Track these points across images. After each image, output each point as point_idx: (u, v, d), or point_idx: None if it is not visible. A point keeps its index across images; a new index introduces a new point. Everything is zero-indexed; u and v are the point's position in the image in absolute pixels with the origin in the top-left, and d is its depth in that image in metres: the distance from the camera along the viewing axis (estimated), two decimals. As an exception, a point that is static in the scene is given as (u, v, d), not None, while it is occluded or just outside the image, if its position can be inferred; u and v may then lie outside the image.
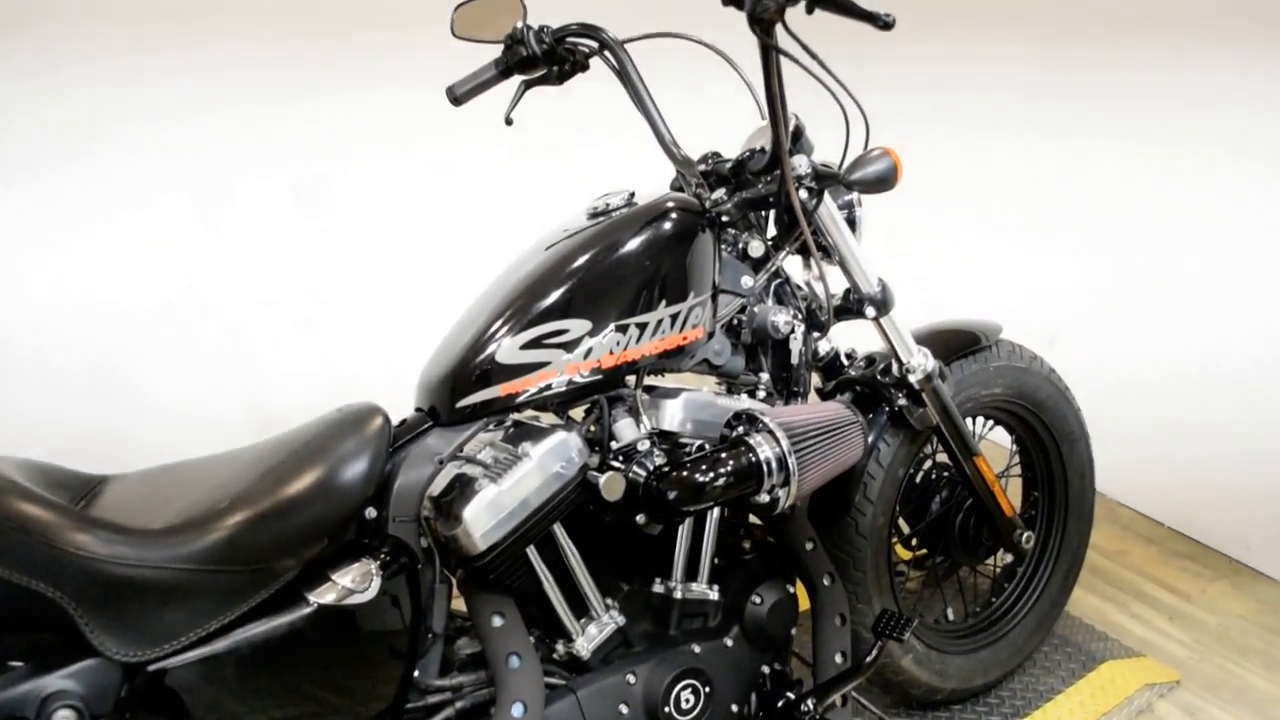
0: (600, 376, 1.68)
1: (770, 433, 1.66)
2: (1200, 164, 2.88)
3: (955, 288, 3.42)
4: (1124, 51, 3.02)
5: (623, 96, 1.82)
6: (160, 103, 2.86)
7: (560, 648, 1.74)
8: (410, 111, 2.68)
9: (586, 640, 1.73)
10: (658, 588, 1.82)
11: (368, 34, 3.05)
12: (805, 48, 1.63)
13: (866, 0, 1.56)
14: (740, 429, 1.69)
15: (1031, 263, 3.38)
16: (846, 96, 1.73)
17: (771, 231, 1.90)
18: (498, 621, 1.64)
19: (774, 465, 1.64)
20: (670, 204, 1.77)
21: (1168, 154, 2.95)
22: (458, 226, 3.29)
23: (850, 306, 1.98)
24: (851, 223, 1.96)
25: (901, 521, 2.27)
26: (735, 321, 1.86)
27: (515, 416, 1.71)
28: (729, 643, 1.85)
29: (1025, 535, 2.29)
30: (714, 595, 1.84)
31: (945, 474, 2.26)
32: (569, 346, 1.65)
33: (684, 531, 1.81)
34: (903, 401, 2.04)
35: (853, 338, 2.13)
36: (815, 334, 1.95)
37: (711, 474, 1.63)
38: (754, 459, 1.64)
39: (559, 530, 1.68)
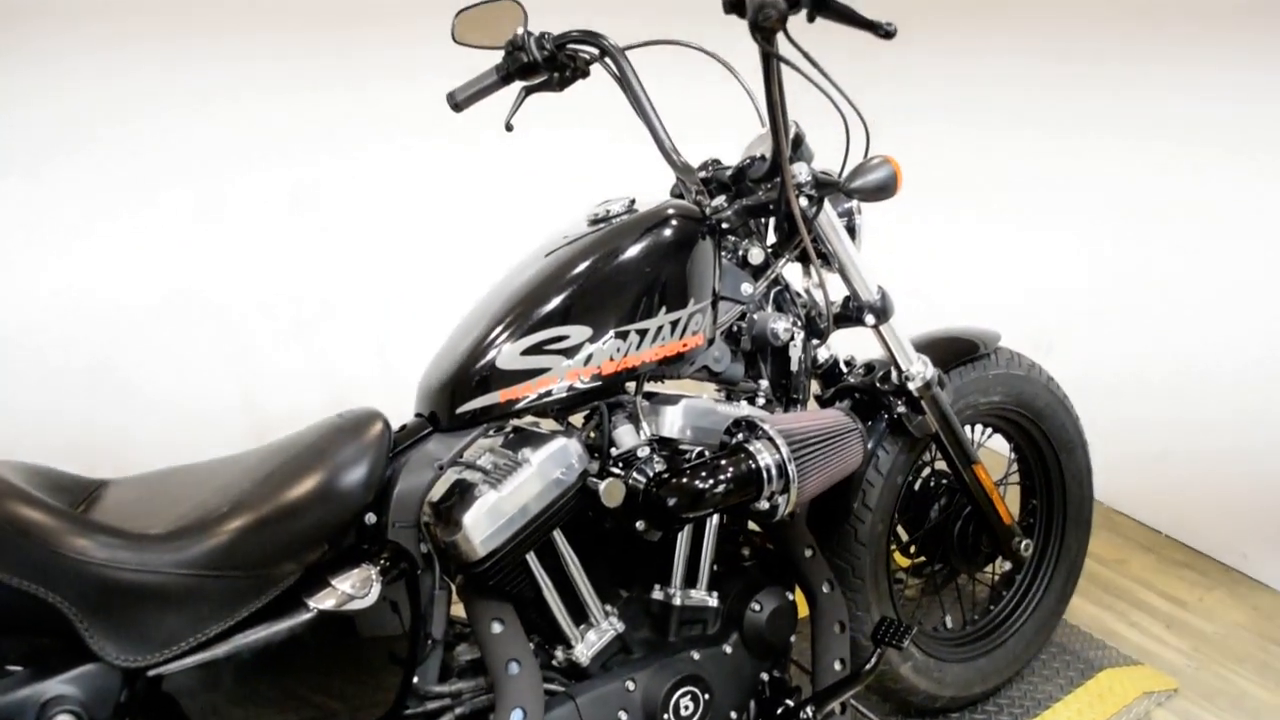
0: (600, 383, 1.68)
1: (770, 440, 1.66)
2: (1201, 162, 2.87)
3: (952, 287, 3.43)
4: (1122, 49, 3.02)
5: (624, 101, 1.83)
6: (161, 101, 2.87)
7: (560, 654, 1.74)
8: (412, 111, 2.68)
9: (586, 647, 1.73)
10: (657, 594, 1.82)
11: (370, 35, 3.05)
12: (806, 55, 1.64)
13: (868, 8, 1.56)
14: (740, 436, 1.69)
15: (1028, 264, 3.38)
16: (847, 104, 1.73)
17: (771, 239, 1.91)
18: (497, 628, 1.64)
19: (774, 472, 1.64)
20: (671, 211, 1.77)
21: (1167, 152, 2.94)
22: (459, 227, 3.30)
23: (850, 314, 1.99)
24: (851, 230, 1.96)
25: (900, 529, 2.27)
26: (735, 328, 1.86)
27: (515, 422, 1.71)
28: (728, 650, 1.85)
29: (1024, 543, 2.29)
30: (713, 602, 1.85)
31: (944, 481, 2.26)
32: (569, 353, 1.65)
33: (683, 538, 1.81)
34: (902, 409, 2.05)
35: (852, 345, 2.13)
36: (815, 341, 1.96)
37: (711, 481, 1.63)
38: (754, 466, 1.64)
39: (558, 536, 1.68)
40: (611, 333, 1.68)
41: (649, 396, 1.79)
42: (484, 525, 1.56)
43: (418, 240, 3.28)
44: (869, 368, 2.10)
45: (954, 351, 2.18)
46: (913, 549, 2.32)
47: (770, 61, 1.62)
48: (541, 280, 1.68)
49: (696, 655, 1.81)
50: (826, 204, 1.87)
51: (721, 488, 1.63)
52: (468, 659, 1.72)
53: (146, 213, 2.91)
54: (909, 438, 2.08)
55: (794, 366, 1.90)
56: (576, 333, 1.65)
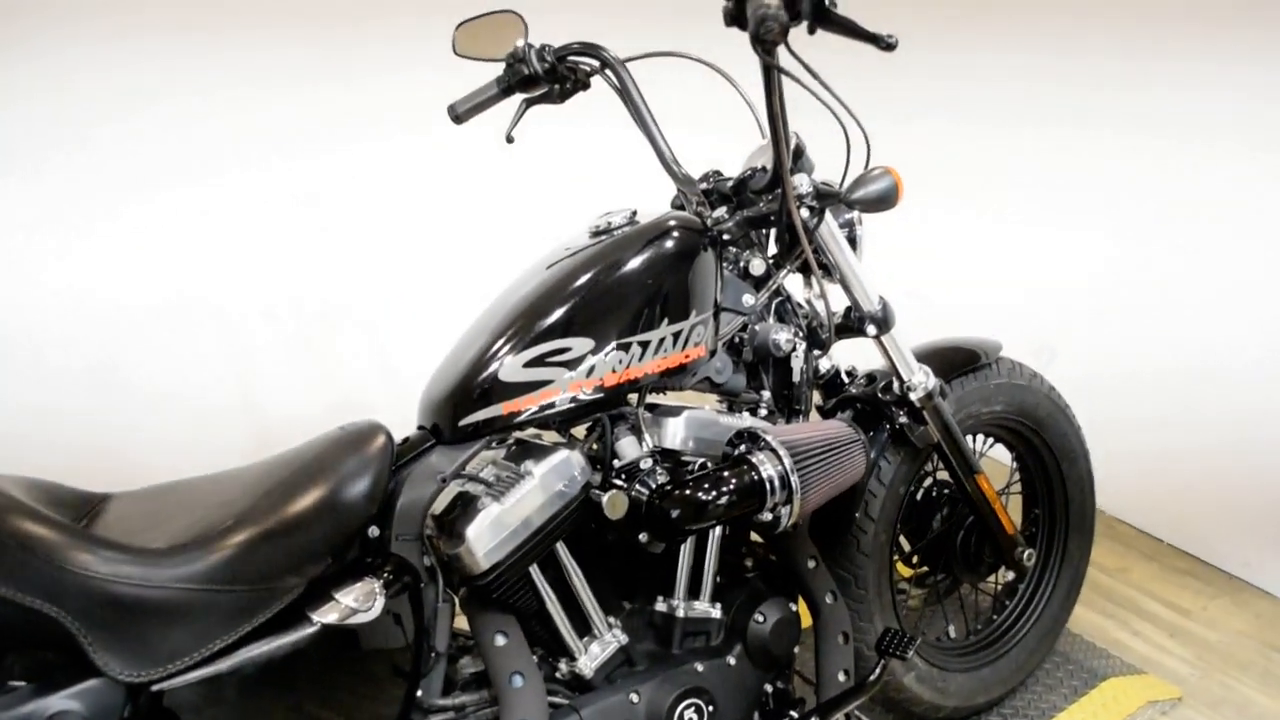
0: (603, 395, 1.68)
1: (773, 451, 1.66)
2: (1202, 160, 2.87)
3: (950, 288, 3.41)
4: (1123, 45, 3.02)
5: (625, 114, 1.83)
6: (161, 99, 2.88)
7: (563, 667, 1.73)
8: (414, 110, 2.68)
9: (589, 659, 1.73)
10: (660, 606, 1.82)
11: (371, 32, 3.07)
12: (807, 68, 1.64)
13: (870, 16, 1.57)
14: (742, 447, 1.69)
15: (1028, 264, 3.37)
16: (848, 116, 1.74)
17: (772, 250, 1.91)
18: (500, 640, 1.64)
19: (776, 484, 1.64)
20: (672, 222, 1.78)
21: (1169, 150, 2.94)
22: (461, 226, 3.31)
23: (851, 324, 1.99)
24: (852, 241, 1.96)
25: (903, 539, 2.27)
26: (737, 339, 1.86)
27: (518, 435, 1.71)
28: (732, 661, 1.84)
29: (1026, 552, 2.29)
30: (716, 614, 1.84)
31: (946, 491, 2.26)
32: (571, 365, 1.65)
33: (686, 550, 1.81)
34: (904, 419, 2.05)
35: (854, 356, 2.13)
36: (816, 352, 1.96)
37: (714, 492, 1.63)
38: (756, 477, 1.64)
39: (561, 549, 1.68)
40: (614, 344, 1.67)
41: (651, 408, 1.79)
42: (487, 538, 1.56)
43: (419, 239, 3.29)
44: (871, 378, 2.10)
45: (955, 361, 2.18)
46: (915, 559, 2.32)
47: (771, 74, 1.62)
48: (543, 293, 1.69)
49: (700, 667, 1.80)
50: (828, 215, 1.87)
51: (724, 499, 1.63)
52: (471, 672, 1.72)
53: (146, 212, 2.92)
54: (911, 448, 2.08)
55: (796, 377, 1.90)
56: (579, 345, 1.65)
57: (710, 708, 1.78)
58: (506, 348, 1.64)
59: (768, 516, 1.68)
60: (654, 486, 1.65)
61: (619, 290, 1.70)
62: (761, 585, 1.93)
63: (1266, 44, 2.69)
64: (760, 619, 1.88)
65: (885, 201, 1.83)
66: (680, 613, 1.81)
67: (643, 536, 1.68)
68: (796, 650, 1.94)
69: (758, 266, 1.86)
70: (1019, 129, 3.32)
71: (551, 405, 1.65)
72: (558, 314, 1.66)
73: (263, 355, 3.13)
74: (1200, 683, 2.52)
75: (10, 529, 1.29)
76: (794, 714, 1.90)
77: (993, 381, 2.21)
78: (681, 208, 1.89)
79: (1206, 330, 2.94)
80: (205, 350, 3.05)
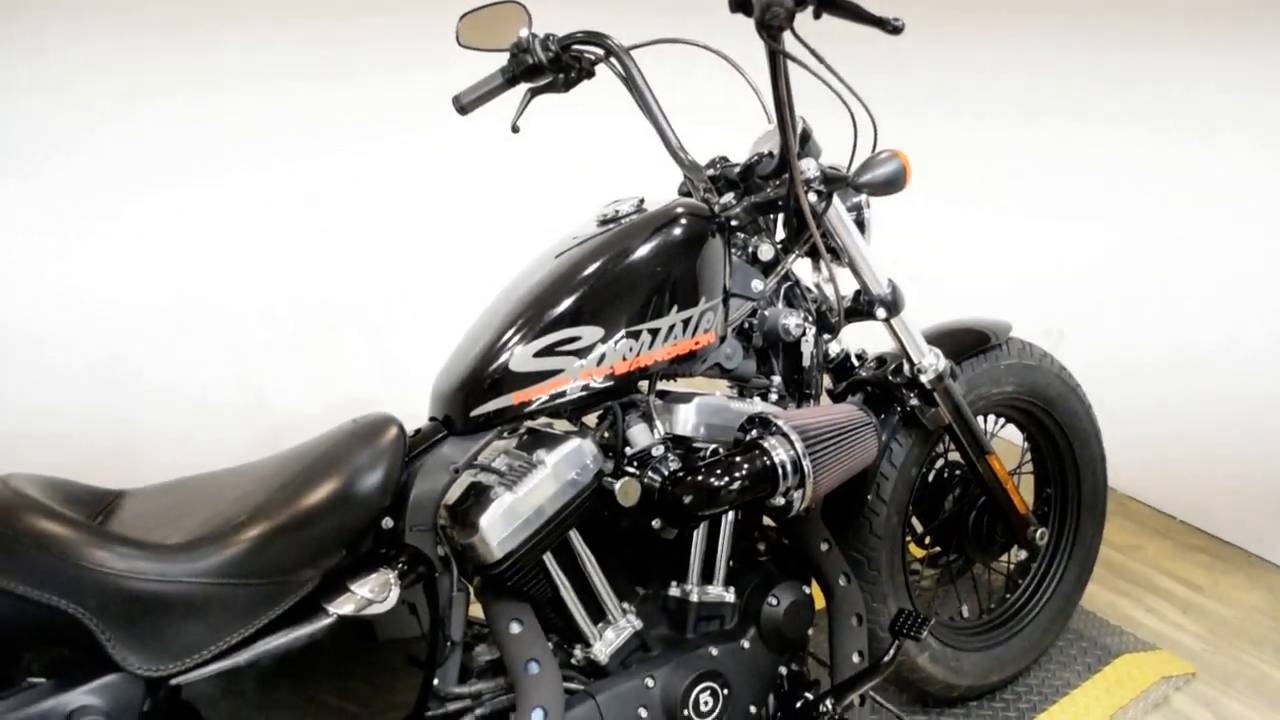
0: (613, 383, 1.68)
1: (784, 436, 1.66)
2: (1205, 150, 2.87)
3: (956, 278, 3.42)
4: (1124, 39, 3.01)
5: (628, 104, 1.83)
6: (161, 97, 2.88)
7: (578, 653, 1.75)
8: (415, 106, 2.69)
9: (604, 645, 1.74)
10: (674, 591, 1.83)
11: (371, 28, 3.06)
12: (813, 52, 1.64)
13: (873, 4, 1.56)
14: (754, 432, 1.70)
15: (1036, 254, 3.38)
16: (854, 100, 1.73)
17: (780, 235, 1.91)
18: (515, 628, 1.65)
19: (789, 468, 1.64)
20: (680, 209, 1.77)
21: (1172, 141, 2.95)
22: (463, 221, 3.31)
23: (860, 308, 1.99)
24: (860, 224, 1.96)
25: (915, 520, 2.27)
26: (746, 325, 1.86)
27: (529, 424, 1.71)
28: (746, 644, 1.85)
29: (1039, 532, 2.29)
30: (730, 598, 1.85)
31: (958, 472, 2.26)
32: (582, 353, 1.65)
33: (699, 535, 1.82)
34: (915, 402, 2.05)
35: (864, 339, 2.13)
36: (826, 336, 1.96)
37: (726, 478, 1.63)
38: (769, 462, 1.64)
39: (575, 536, 1.69)
40: (623, 332, 1.68)
41: (662, 395, 1.79)
42: (500, 527, 1.57)
43: (421, 235, 3.29)
44: (881, 361, 2.10)
45: (965, 343, 2.18)
46: (928, 540, 2.32)
47: (777, 59, 1.62)
48: (552, 282, 1.69)
49: (715, 651, 1.81)
50: (835, 199, 1.87)
51: (737, 485, 1.63)
52: (487, 660, 1.73)
53: (148, 211, 2.93)
54: (922, 430, 2.08)
55: (806, 362, 1.90)
56: (588, 333, 1.66)
57: (725, 691, 1.79)
58: (516, 337, 1.64)
59: (780, 501, 1.68)
60: (666, 473, 1.65)
61: (628, 278, 1.70)
62: (774, 569, 1.94)
63: (1267, 36, 2.68)
64: (774, 602, 1.88)
65: (893, 184, 1.82)
66: (694, 597, 1.82)
67: (656, 523, 1.68)
68: (810, 632, 1.95)
69: (766, 252, 1.86)
70: (1021, 121, 3.35)
71: (562, 394, 1.66)
72: (567, 303, 1.66)
73: (265, 353, 3.14)
74: (1213, 658, 2.53)
75: (26, 527, 1.29)
76: (809, 696, 1.91)
77: (1003, 362, 2.21)
78: (689, 195, 1.89)
79: (1214, 308, 2.94)
80: (207, 348, 3.06)
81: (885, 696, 2.33)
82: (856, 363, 2.12)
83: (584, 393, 1.67)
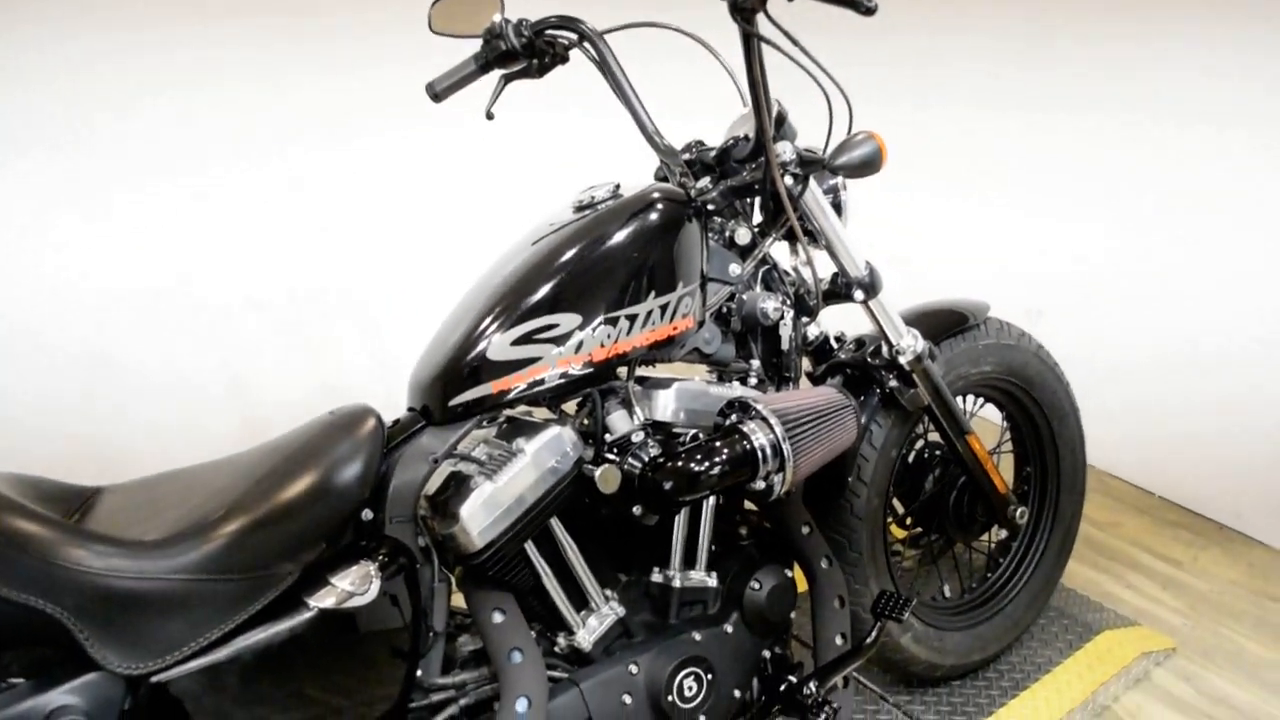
0: (592, 370, 1.68)
1: (764, 420, 1.66)
2: (1191, 137, 2.88)
3: (937, 269, 3.43)
4: (1111, 25, 3.02)
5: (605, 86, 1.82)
6: (150, 90, 2.87)
7: (562, 641, 1.74)
8: (398, 99, 2.66)
9: (587, 632, 1.74)
10: (656, 577, 1.83)
11: (354, 21, 3.05)
12: (787, 34, 1.63)
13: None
14: (734, 417, 1.70)
15: (1017, 239, 3.38)
16: (829, 81, 1.73)
17: (758, 218, 1.90)
18: (498, 617, 1.64)
19: (768, 452, 1.65)
20: (656, 194, 1.76)
21: (1156, 128, 2.95)
22: (446, 214, 3.31)
23: (839, 290, 1.99)
24: (837, 207, 1.96)
25: (895, 501, 2.27)
26: (725, 309, 1.86)
27: (508, 413, 1.70)
28: (729, 629, 1.85)
29: (1019, 511, 2.30)
30: (712, 582, 1.85)
31: (938, 453, 2.27)
32: (559, 341, 1.65)
33: (680, 520, 1.81)
34: (894, 383, 2.05)
35: (842, 321, 2.13)
36: (805, 319, 1.95)
37: (706, 463, 1.63)
38: (748, 447, 1.64)
39: (556, 524, 1.69)
40: (601, 319, 1.67)
41: (641, 381, 1.79)
42: (481, 517, 1.57)
43: (406, 227, 3.29)
44: (860, 343, 2.10)
45: (944, 323, 2.18)
46: (909, 521, 2.33)
47: (751, 41, 1.61)
48: (528, 269, 1.68)
49: (698, 636, 1.81)
50: (812, 181, 1.86)
51: (717, 469, 1.63)
52: (470, 650, 1.73)
53: (135, 201, 2.91)
54: (902, 411, 2.08)
55: (785, 345, 1.90)
56: (566, 320, 1.65)
57: (709, 676, 1.79)
58: (494, 326, 1.63)
59: (760, 485, 1.68)
60: (646, 459, 1.65)
61: (604, 264, 1.69)
62: (756, 553, 1.94)
63: (1268, 33, 2.68)
64: (756, 586, 1.88)
65: (869, 166, 1.82)
66: (676, 583, 1.82)
67: (636, 509, 1.69)
68: (793, 615, 1.95)
69: (743, 235, 1.85)
70: (1018, 117, 3.33)
71: (541, 382, 1.65)
72: (544, 290, 1.65)
73: (252, 343, 3.13)
74: (1193, 633, 2.55)
75: (2, 527, 1.28)
76: (792, 679, 1.91)
77: (981, 342, 2.21)
78: (665, 179, 1.88)
79: (1193, 290, 2.96)
80: (195, 338, 3.05)
81: (869, 677, 2.34)
82: (835, 345, 2.12)
83: (562, 380, 1.66)
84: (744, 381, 1.89)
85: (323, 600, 1.46)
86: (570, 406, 1.76)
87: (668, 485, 1.62)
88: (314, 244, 3.17)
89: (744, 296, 1.86)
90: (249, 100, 2.98)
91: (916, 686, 2.33)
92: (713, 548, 1.86)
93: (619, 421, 1.71)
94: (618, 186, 1.79)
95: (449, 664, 1.69)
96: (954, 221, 3.57)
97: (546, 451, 1.62)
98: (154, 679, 1.35)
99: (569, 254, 1.68)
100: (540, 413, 1.74)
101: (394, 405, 1.71)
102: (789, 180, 1.81)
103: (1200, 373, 2.95)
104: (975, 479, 2.23)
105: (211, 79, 2.92)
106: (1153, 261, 3.03)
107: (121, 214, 2.90)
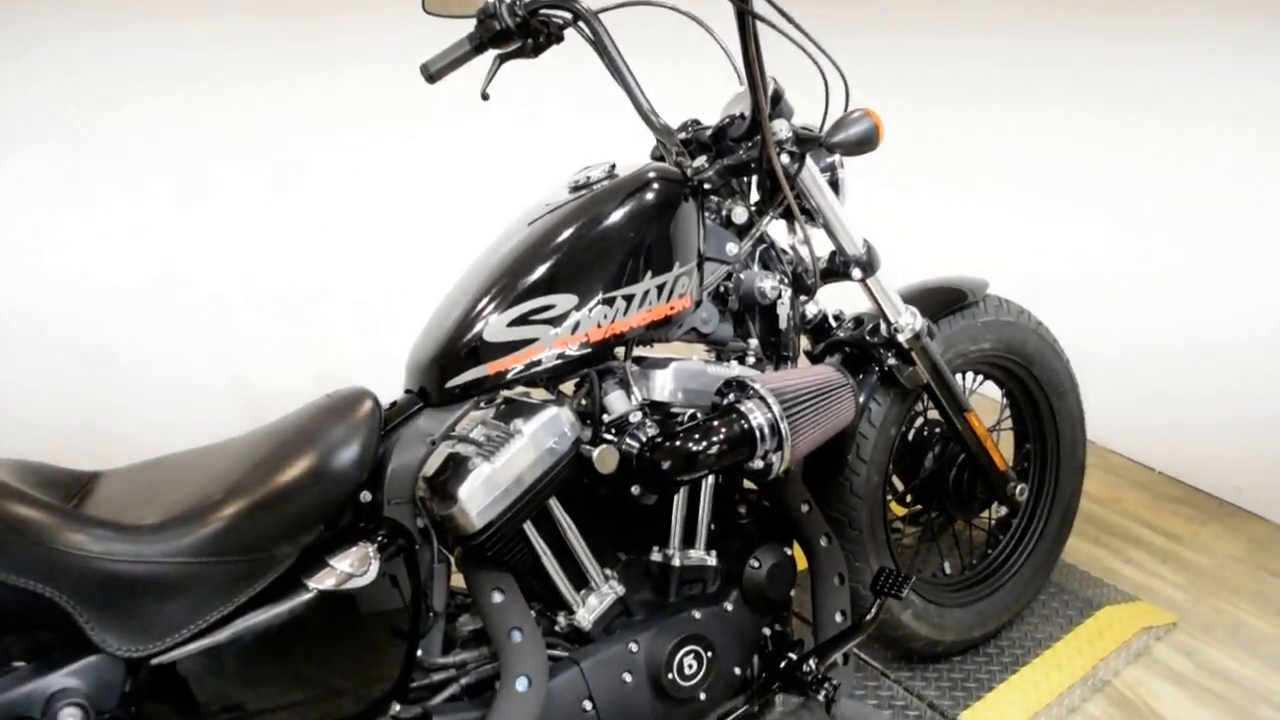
0: (589, 350, 1.68)
1: (762, 399, 1.66)
2: (1191, 137, 2.88)
3: (936, 268, 3.43)
4: (1111, 24, 3.00)
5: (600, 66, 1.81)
6: (146, 86, 2.86)
7: (562, 620, 1.75)
8: (394, 91, 2.67)
9: (587, 611, 1.74)
10: (656, 556, 1.83)
11: (350, 16, 3.04)
12: (781, 12, 1.62)
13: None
14: (731, 396, 1.70)
15: (1017, 238, 3.38)
16: (825, 59, 1.72)
17: (754, 197, 1.90)
18: (498, 597, 1.65)
19: (767, 431, 1.65)
20: (652, 174, 1.76)
21: (1156, 127, 2.95)
22: (441, 203, 3.29)
23: (836, 268, 1.99)
24: (834, 185, 1.95)
25: (895, 479, 2.28)
26: (722, 289, 1.86)
27: (506, 394, 1.71)
28: (729, 607, 1.86)
29: (1018, 487, 2.31)
30: (712, 561, 1.85)
31: (937, 430, 2.26)
32: (556, 321, 1.65)
33: (680, 500, 1.82)
34: (892, 361, 2.05)
35: (840, 300, 2.13)
36: (803, 297, 1.95)
37: (705, 443, 1.63)
38: (746, 426, 1.64)
39: (555, 504, 1.69)
40: (598, 299, 1.67)
41: (639, 361, 1.79)
42: (480, 497, 1.57)
43: (405, 225, 3.29)
44: (858, 321, 2.10)
45: (942, 301, 2.17)
46: (908, 498, 2.33)
47: (746, 19, 1.61)
48: (525, 250, 1.67)
49: (698, 614, 1.82)
50: (809, 159, 1.86)
51: (715, 449, 1.63)
52: (470, 630, 1.74)
53: (134, 196, 2.91)
54: (900, 389, 2.08)
55: (783, 324, 1.90)
56: (563, 301, 1.65)
57: (709, 654, 1.80)
58: (490, 307, 1.63)
59: (759, 464, 1.68)
60: (644, 439, 1.65)
61: (601, 245, 1.69)
62: (755, 531, 1.94)
63: (1268, 33, 2.67)
64: (755, 564, 1.89)
65: (866, 144, 1.82)
66: (676, 562, 1.82)
67: (635, 489, 1.69)
68: (793, 593, 1.96)
69: (740, 214, 1.85)
70: (1018, 116, 3.32)
71: (538, 363, 1.65)
72: (540, 271, 1.65)
73: (252, 342, 3.14)
74: (1194, 608, 2.55)
75: (1, 513, 1.29)
76: (793, 656, 1.92)
77: (980, 319, 2.21)
78: (661, 159, 1.88)
79: (1192, 270, 2.96)
80: (195, 337, 3.05)
81: (869, 654, 2.34)
82: (834, 323, 2.12)
83: (560, 361, 1.66)
84: (742, 361, 1.89)
85: (322, 582, 1.47)
86: (568, 387, 1.76)
87: (666, 465, 1.62)
88: (313, 242, 3.17)
89: (741, 275, 1.85)
90: (248, 99, 2.98)
91: (917, 663, 2.33)
92: (712, 526, 1.86)
93: (617, 402, 1.71)
94: (613, 166, 1.78)
95: (449, 644, 1.70)
96: (954, 221, 3.56)
97: (544, 432, 1.63)
98: (154, 661, 1.35)
99: (565, 234, 1.68)
100: (538, 393, 1.74)
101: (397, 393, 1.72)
102: (785, 158, 1.81)
103: (1201, 354, 2.95)
104: (975, 456, 2.23)
105: (211, 78, 2.92)
106: (1153, 261, 3.03)
107: (121, 213, 2.90)
